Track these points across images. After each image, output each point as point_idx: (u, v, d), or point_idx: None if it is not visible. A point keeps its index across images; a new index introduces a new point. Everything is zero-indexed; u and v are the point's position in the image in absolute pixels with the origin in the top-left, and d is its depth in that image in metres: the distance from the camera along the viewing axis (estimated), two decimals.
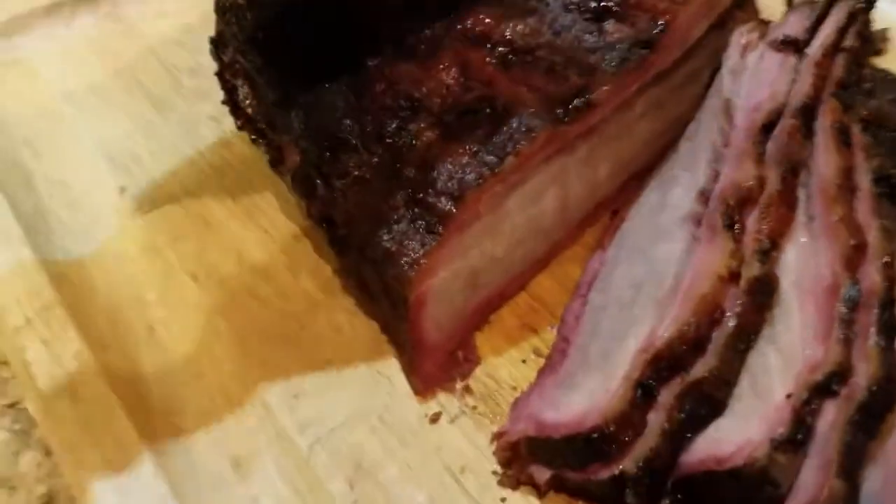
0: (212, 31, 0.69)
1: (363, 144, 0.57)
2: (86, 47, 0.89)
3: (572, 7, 0.59)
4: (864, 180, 0.53)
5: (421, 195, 0.54)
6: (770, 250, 0.52)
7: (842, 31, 0.60)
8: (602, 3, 0.59)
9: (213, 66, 0.71)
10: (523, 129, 0.55)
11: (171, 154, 0.78)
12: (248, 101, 0.67)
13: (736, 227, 0.53)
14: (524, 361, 0.61)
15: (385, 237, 0.54)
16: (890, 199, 0.53)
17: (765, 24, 0.65)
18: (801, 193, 0.55)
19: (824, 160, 0.54)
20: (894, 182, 0.53)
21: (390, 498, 0.55)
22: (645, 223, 0.61)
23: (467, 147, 0.55)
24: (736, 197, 0.54)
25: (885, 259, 0.49)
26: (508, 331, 0.63)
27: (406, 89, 0.58)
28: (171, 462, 0.58)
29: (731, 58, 0.63)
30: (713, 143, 0.59)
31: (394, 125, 0.57)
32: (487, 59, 0.58)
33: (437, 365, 0.60)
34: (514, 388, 0.60)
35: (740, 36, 0.64)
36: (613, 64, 0.57)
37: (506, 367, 0.61)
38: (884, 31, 0.76)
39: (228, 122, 0.73)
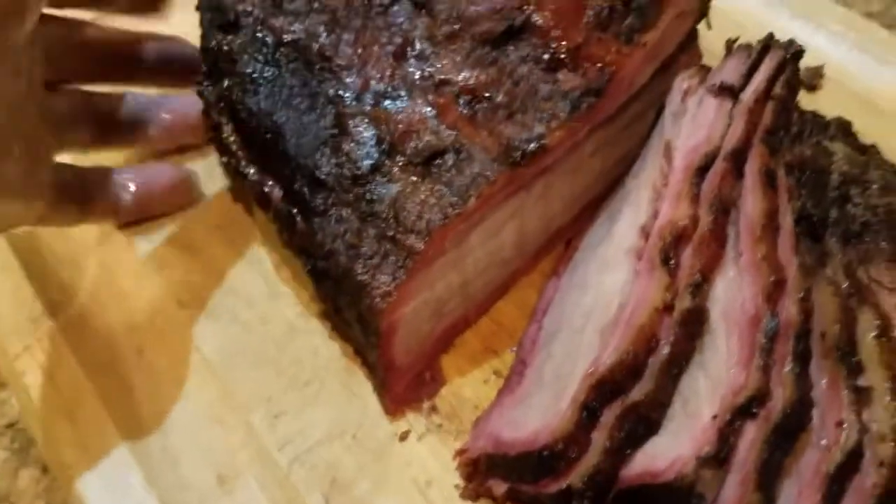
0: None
1: (339, 185, 0.61)
2: None
3: (529, 59, 0.64)
4: (786, 220, 0.57)
5: (392, 233, 0.59)
6: (701, 284, 0.56)
7: (772, 80, 0.64)
8: (555, 55, 0.64)
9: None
10: (486, 172, 0.60)
11: None
12: (231, 139, 0.70)
13: (671, 262, 0.57)
14: (486, 382, 0.65)
15: (360, 270, 0.59)
16: (809, 237, 0.57)
17: (705, 69, 0.69)
18: (731, 231, 0.58)
19: (751, 201, 0.58)
20: (813, 221, 0.57)
21: None
22: (594, 254, 0.65)
23: (434, 188, 0.60)
24: (672, 234, 0.58)
25: (801, 294, 0.54)
26: (472, 353, 0.67)
27: (380, 133, 0.63)
28: (160, 477, 0.62)
29: (672, 101, 0.67)
30: (654, 182, 0.63)
31: (368, 167, 0.62)
32: (453, 106, 0.63)
33: (406, 386, 0.65)
34: (476, 407, 0.64)
35: (682, 81, 0.68)
36: (566, 111, 0.62)
37: (469, 387, 0.65)
38: (819, 67, 0.82)
39: (213, 154, 0.77)
